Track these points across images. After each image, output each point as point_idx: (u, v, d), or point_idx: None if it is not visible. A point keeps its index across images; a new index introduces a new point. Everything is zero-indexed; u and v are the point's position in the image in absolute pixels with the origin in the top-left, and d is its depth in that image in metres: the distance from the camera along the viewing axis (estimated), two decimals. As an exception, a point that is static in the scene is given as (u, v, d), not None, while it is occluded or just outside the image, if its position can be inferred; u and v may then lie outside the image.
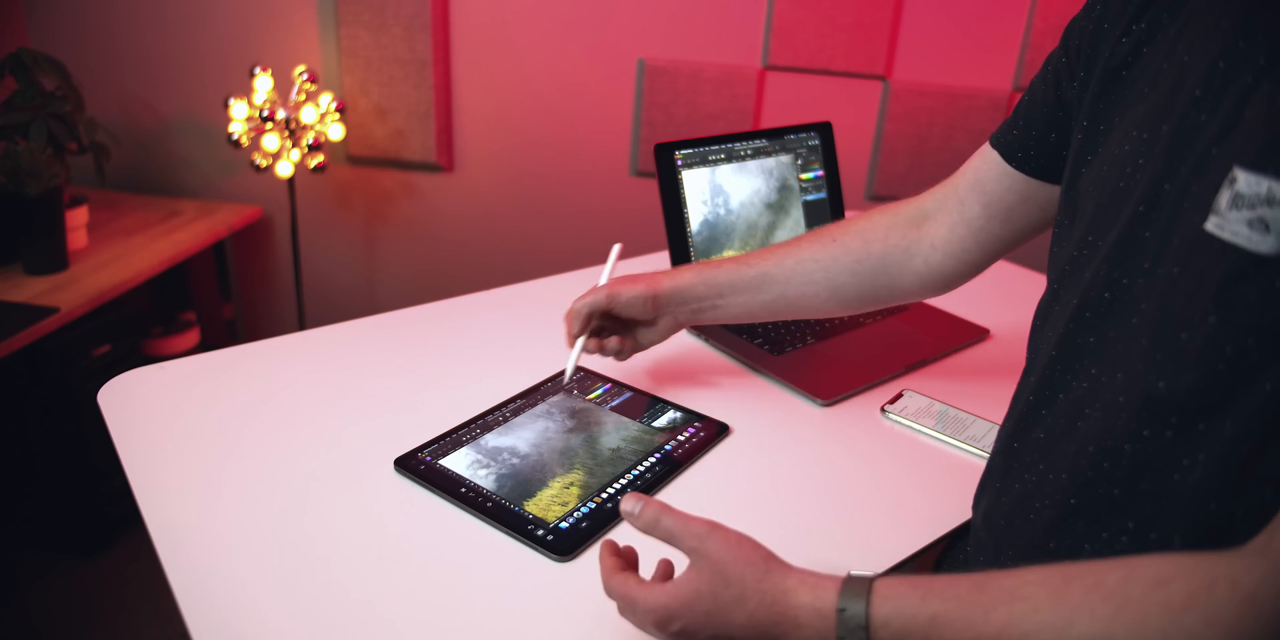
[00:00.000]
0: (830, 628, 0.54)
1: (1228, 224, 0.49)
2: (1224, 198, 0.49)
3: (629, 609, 0.61)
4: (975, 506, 0.78)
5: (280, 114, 1.99)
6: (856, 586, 0.55)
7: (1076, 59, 0.70)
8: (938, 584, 0.54)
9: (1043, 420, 0.66)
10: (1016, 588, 0.51)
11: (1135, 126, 0.61)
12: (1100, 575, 0.50)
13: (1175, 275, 0.53)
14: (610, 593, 0.63)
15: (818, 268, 0.92)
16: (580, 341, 0.96)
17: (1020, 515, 0.66)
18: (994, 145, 0.82)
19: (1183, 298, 0.52)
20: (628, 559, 0.67)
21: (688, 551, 0.60)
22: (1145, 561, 0.50)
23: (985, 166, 0.84)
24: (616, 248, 1.03)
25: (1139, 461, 0.56)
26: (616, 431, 0.95)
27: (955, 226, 0.88)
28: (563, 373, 1.00)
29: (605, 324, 0.98)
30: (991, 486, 0.72)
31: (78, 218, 1.89)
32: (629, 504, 0.63)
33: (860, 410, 1.03)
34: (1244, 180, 0.48)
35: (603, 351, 0.98)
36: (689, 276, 0.95)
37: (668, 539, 0.62)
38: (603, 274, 1.00)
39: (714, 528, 0.61)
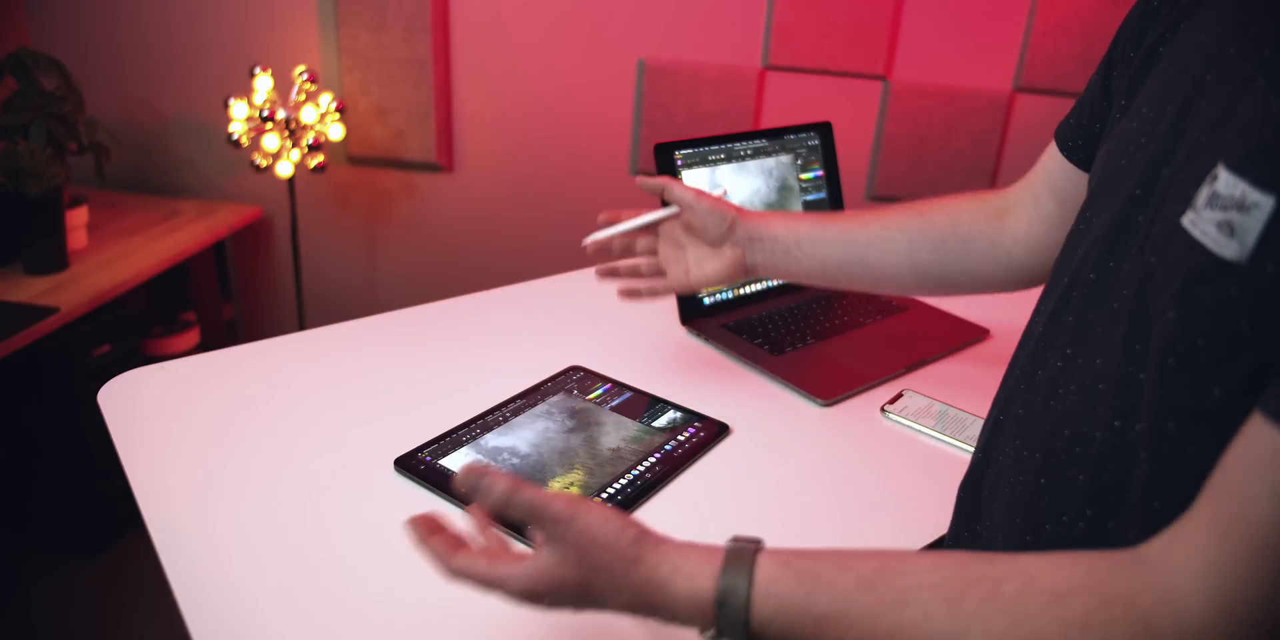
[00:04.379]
0: (710, 620, 0.52)
1: (1200, 221, 0.48)
2: (1203, 194, 0.48)
3: (493, 589, 0.57)
4: None
5: (280, 114, 1.99)
6: (734, 575, 0.52)
7: (1129, 42, 0.68)
8: (825, 576, 0.51)
9: (1023, 395, 0.66)
10: (908, 591, 0.50)
11: (1145, 104, 0.60)
12: (997, 584, 0.49)
13: (1153, 264, 0.52)
14: (457, 575, 0.58)
15: (902, 238, 0.89)
16: (664, 212, 0.95)
17: (1001, 488, 0.67)
18: (1054, 136, 0.81)
19: (1157, 288, 0.51)
20: (449, 533, 0.60)
21: (548, 536, 0.56)
22: (1043, 573, 0.50)
23: (1052, 161, 0.82)
24: (672, 210, 0.96)
25: (1106, 451, 0.55)
26: (616, 431, 0.95)
27: (1033, 222, 0.86)
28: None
29: (666, 241, 0.97)
30: (977, 456, 0.73)
31: (78, 218, 1.89)
32: (470, 477, 0.56)
33: (860, 410, 1.03)
34: (1224, 180, 0.47)
35: (637, 264, 0.97)
36: (772, 217, 0.93)
37: (526, 518, 0.56)
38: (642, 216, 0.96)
39: (576, 512, 0.55)
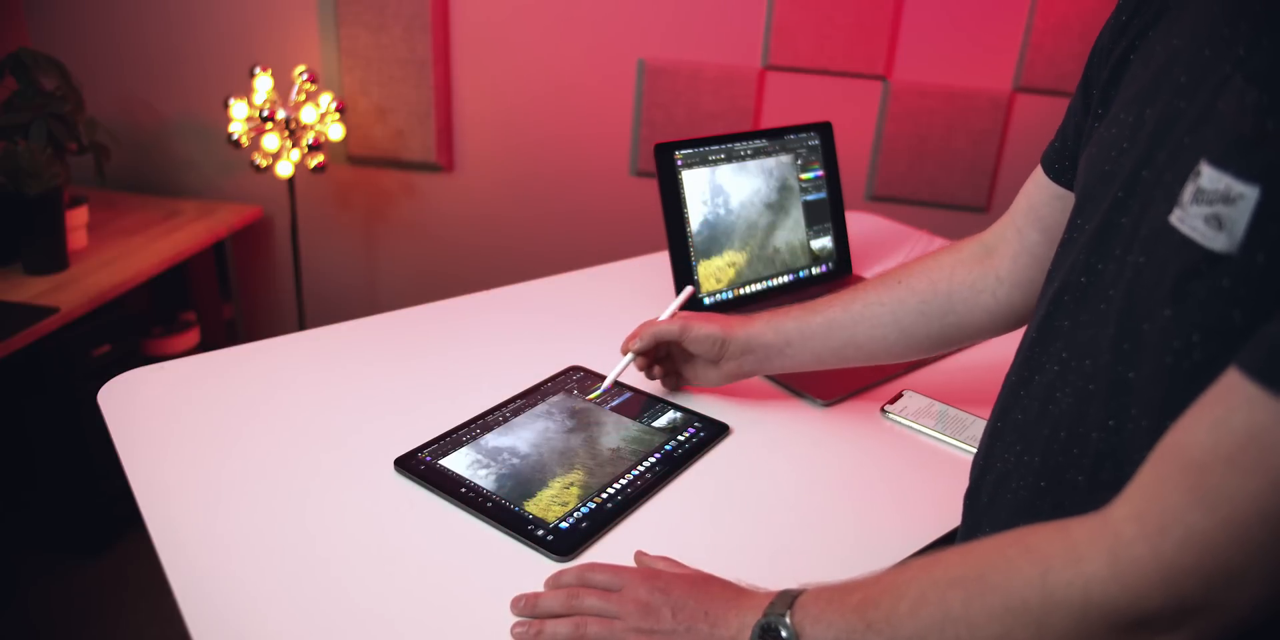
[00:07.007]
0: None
1: (1188, 217, 0.48)
2: (1188, 191, 0.49)
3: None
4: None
5: (280, 114, 1.99)
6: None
7: (1103, 58, 0.69)
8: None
9: (1021, 401, 0.67)
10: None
11: (1123, 109, 0.61)
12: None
13: (1141, 265, 0.53)
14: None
15: (884, 311, 0.91)
16: (630, 356, 0.99)
17: (1000, 495, 0.67)
18: (1041, 163, 0.81)
19: (1146, 288, 0.52)
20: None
21: None
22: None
23: (1036, 190, 0.82)
24: (689, 289, 1.06)
25: (1103, 450, 0.56)
26: (616, 431, 0.95)
27: (1019, 256, 0.85)
28: (604, 377, 1.03)
29: (671, 353, 1.01)
30: (978, 464, 0.73)
31: (78, 218, 1.89)
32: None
33: (860, 410, 1.03)
34: (1207, 175, 0.47)
35: (648, 374, 1.01)
36: (758, 325, 0.95)
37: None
38: (665, 311, 1.03)
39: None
